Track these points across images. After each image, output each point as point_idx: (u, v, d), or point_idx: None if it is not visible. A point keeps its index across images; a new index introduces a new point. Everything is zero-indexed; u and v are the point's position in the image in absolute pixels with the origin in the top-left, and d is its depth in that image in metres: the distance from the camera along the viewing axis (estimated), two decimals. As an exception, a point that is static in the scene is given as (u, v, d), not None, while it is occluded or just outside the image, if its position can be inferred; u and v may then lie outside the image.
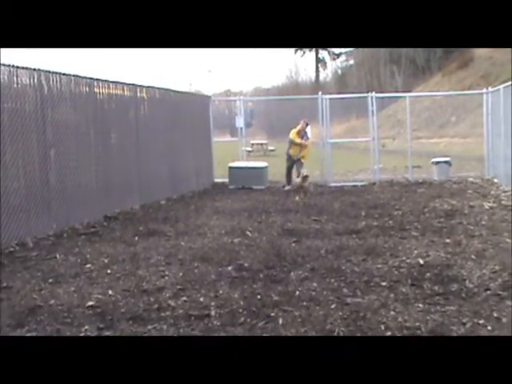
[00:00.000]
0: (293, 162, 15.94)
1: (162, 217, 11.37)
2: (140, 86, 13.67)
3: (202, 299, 5.91)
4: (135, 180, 12.85)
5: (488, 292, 5.88)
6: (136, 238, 9.27)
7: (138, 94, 13.69)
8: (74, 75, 10.96)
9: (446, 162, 17.65)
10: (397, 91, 38.40)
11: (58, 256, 8.09)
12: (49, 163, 10.06)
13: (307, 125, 16.00)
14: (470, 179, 16.74)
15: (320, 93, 18.25)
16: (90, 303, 5.85)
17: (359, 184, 16.93)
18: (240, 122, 18.92)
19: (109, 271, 7.18)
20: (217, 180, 17.71)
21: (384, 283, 6.30)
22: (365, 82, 55.45)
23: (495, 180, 16.04)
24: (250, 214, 11.54)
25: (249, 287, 6.27)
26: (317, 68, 70.53)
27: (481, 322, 5.03)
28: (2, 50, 6.62)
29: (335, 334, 4.82)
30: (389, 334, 4.79)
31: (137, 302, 5.85)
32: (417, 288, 6.09)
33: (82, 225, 10.31)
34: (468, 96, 23.33)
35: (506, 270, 6.60)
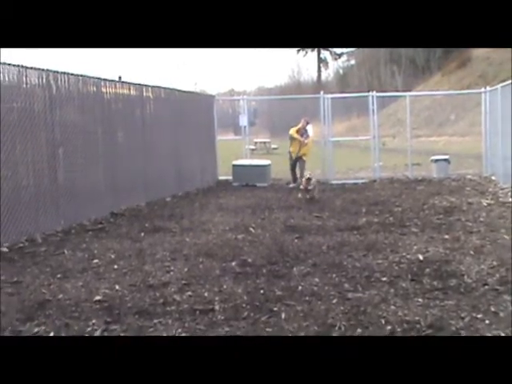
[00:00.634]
0: (295, 160, 15.94)
1: (167, 213, 11.38)
2: (146, 85, 13.68)
3: (206, 294, 5.91)
4: (141, 178, 12.85)
5: (486, 287, 5.88)
6: (142, 234, 9.28)
7: (144, 94, 13.70)
8: (81, 75, 10.98)
9: (445, 160, 17.65)
10: (397, 90, 38.37)
11: (66, 251, 8.11)
12: (57, 161, 10.07)
13: (308, 123, 15.98)
14: (469, 177, 16.77)
15: (322, 92, 18.25)
16: (98, 298, 5.86)
17: (360, 181, 16.94)
18: (243, 121, 18.87)
19: (115, 266, 7.19)
20: (221, 177, 17.71)
21: (384, 278, 6.30)
22: (366, 81, 55.41)
23: (493, 178, 16.04)
24: (253, 210, 11.54)
25: (252, 282, 6.28)
26: (319, 68, 70.55)
27: (479, 316, 5.03)
28: (10, 50, 6.57)
29: (336, 327, 4.82)
30: (389, 328, 4.78)
31: (143, 297, 5.86)
32: (416, 283, 6.08)
33: (90, 221, 10.33)
34: (467, 95, 23.29)
35: (503, 266, 6.60)
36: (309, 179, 13.17)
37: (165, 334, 4.81)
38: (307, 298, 5.67)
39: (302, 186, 13.42)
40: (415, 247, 7.76)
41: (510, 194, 12.80)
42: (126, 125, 12.71)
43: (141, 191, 12.72)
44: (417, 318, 4.99)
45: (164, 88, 14.87)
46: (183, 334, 4.81)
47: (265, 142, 30.91)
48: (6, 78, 9.00)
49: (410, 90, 31.86)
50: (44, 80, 9.82)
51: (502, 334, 4.40)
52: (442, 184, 15.57)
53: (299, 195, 13.79)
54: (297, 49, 69.49)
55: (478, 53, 44.75)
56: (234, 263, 7.11)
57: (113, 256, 7.76)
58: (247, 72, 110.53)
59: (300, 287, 6.06)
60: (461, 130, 27.66)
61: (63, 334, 4.86)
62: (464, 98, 23.75)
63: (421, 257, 7.19)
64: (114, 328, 4.99)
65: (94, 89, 11.51)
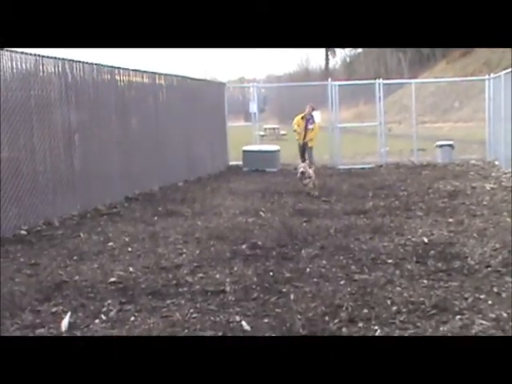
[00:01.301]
0: (303, 147, 15.88)
1: (179, 198, 11.40)
2: (158, 73, 13.65)
3: (217, 276, 5.93)
4: (154, 163, 12.86)
5: (489, 269, 5.87)
6: (155, 218, 9.30)
7: (157, 82, 13.68)
8: (96, 64, 10.96)
9: (449, 145, 17.65)
10: (403, 78, 37.97)
11: (82, 235, 8.14)
12: (73, 147, 10.10)
13: (313, 109, 15.86)
14: (472, 162, 16.73)
15: (329, 79, 18.26)
16: (113, 279, 5.89)
17: (367, 166, 16.92)
18: (253, 108, 18.89)
19: (130, 249, 7.22)
20: (231, 163, 17.71)
21: (390, 260, 6.29)
22: (372, 69, 55.04)
23: (496, 162, 16.03)
24: (263, 195, 11.54)
25: (262, 264, 6.29)
26: (326, 56, 70.03)
27: (482, 296, 5.03)
28: None
29: (344, 308, 4.82)
30: (394, 308, 4.79)
31: (156, 279, 5.88)
32: (421, 265, 6.07)
33: (105, 205, 10.36)
34: (471, 82, 23.15)
35: (505, 248, 6.59)
36: (302, 173, 11.70)
37: (177, 314, 4.82)
38: (315, 280, 5.68)
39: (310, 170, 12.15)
40: (420, 230, 7.74)
41: None
42: (140, 112, 12.70)
43: (154, 176, 12.73)
44: (421, 299, 4.99)
45: (176, 76, 14.84)
46: (194, 315, 4.83)
47: (274, 129, 30.77)
48: (24, 67, 9.02)
49: (415, 77, 31.57)
50: (60, 68, 9.83)
51: (501, 334, 4.21)
52: (446, 169, 15.54)
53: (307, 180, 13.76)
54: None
55: None
56: (244, 246, 7.12)
57: (127, 239, 7.79)
58: (257, 60, 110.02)
59: (308, 269, 6.06)
60: (465, 117, 27.48)
61: (80, 314, 4.90)
62: (468, 84, 23.59)
63: (425, 239, 7.17)
64: (128, 308, 5.02)
65: (108, 77, 11.51)
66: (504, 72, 15.18)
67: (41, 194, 8.97)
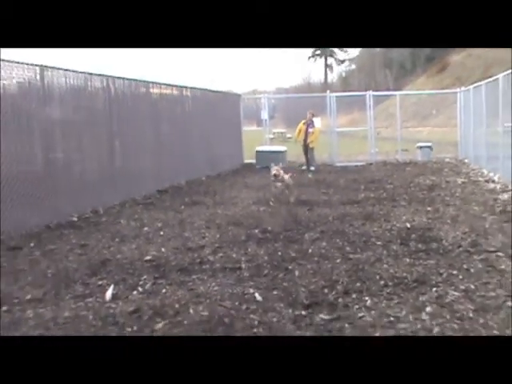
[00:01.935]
0: (305, 148, 15.87)
1: (202, 190, 11.40)
2: (185, 87, 13.66)
3: (234, 255, 5.93)
4: (181, 161, 12.87)
5: (460, 249, 5.86)
6: (182, 207, 9.32)
7: (184, 93, 13.69)
8: (133, 79, 11.00)
9: (428, 146, 17.68)
10: (389, 90, 37.72)
11: (122, 221, 8.18)
12: (114, 149, 10.15)
13: (313, 115, 15.88)
14: (447, 160, 16.79)
15: (328, 91, 18.26)
16: (148, 258, 5.90)
17: (359, 164, 16.88)
18: (264, 115, 18.93)
19: (161, 233, 7.23)
20: (246, 161, 17.66)
21: (379, 242, 6.27)
22: (364, 82, 54.68)
23: (466, 160, 16.12)
24: (271, 188, 11.52)
25: (271, 246, 6.28)
26: (325, 71, 70.31)
27: (454, 272, 5.03)
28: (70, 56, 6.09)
29: (340, 282, 4.81)
30: (382, 282, 4.77)
31: (183, 258, 5.89)
32: (404, 246, 6.06)
33: (140, 197, 10.37)
34: (445, 94, 23.04)
35: (474, 232, 6.58)
36: (275, 175, 9.72)
37: (201, 287, 4.82)
38: (316, 259, 5.67)
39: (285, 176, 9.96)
40: (404, 217, 7.71)
41: (479, 173, 12.85)
42: (169, 119, 12.73)
43: (181, 172, 12.73)
44: (404, 274, 4.98)
45: (200, 89, 14.84)
46: (215, 288, 4.82)
47: (281, 132, 30.57)
48: (76, 83, 9.12)
49: (399, 90, 31.51)
50: (105, 84, 9.88)
51: (497, 333, 3.64)
52: (425, 166, 15.49)
53: (309, 175, 13.76)
54: (308, 56, 69.27)
55: (455, 59, 44.71)
56: (256, 230, 7.11)
57: (159, 224, 7.80)
58: (268, 74, 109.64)
59: (310, 250, 6.05)
60: (441, 123, 27.37)
61: (121, 287, 4.92)
62: (443, 96, 23.46)
63: (408, 225, 7.14)
64: (161, 282, 5.03)
65: (144, 90, 11.54)
66: (472, 86, 15.56)
67: (88, 187, 9.03)
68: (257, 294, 4.59)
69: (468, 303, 4.24)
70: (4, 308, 4.44)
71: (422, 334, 3.71)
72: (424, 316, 4.01)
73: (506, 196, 9.29)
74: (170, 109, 12.77)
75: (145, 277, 5.21)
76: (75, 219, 8.21)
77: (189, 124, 13.54)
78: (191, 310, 4.24)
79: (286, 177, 9.86)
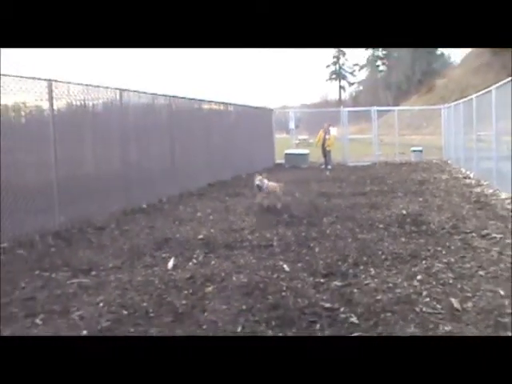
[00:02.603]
0: (324, 151, 15.83)
1: (243, 184, 11.43)
2: (229, 103, 13.73)
3: (268, 235, 5.95)
4: (227, 162, 12.94)
5: (443, 230, 5.82)
6: (227, 198, 9.39)
7: (228, 109, 13.76)
8: (189, 98, 11.13)
9: (419, 150, 17.92)
10: (389, 106, 37.34)
11: (180, 208, 8.30)
12: (175, 153, 10.29)
13: (329, 125, 15.98)
14: (434, 161, 16.89)
15: (341, 107, 18.41)
16: (200, 237, 5.97)
17: (366, 164, 16.79)
18: (291, 125, 19.16)
19: (211, 217, 7.32)
20: (277, 161, 17.63)
21: (381, 225, 6.22)
22: (369, 100, 54.68)
23: (449, 161, 16.34)
24: (297, 182, 11.48)
25: (297, 228, 6.29)
26: (339, 91, 70.74)
27: (439, 249, 5.00)
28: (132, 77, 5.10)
29: (350, 256, 4.80)
30: (383, 257, 4.76)
31: (228, 237, 5.94)
32: (401, 228, 6.01)
33: (194, 189, 10.46)
34: (433, 110, 22.95)
35: (455, 217, 6.55)
36: (258, 186, 7.58)
37: (242, 260, 4.84)
38: (332, 238, 5.67)
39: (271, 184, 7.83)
40: (401, 206, 7.64)
41: (458, 172, 12.87)
42: (217, 129, 12.80)
43: (227, 170, 12.80)
44: (401, 251, 4.96)
45: (241, 105, 14.89)
46: (253, 261, 4.85)
47: (305, 139, 30.39)
48: (144, 101, 9.31)
49: (397, 105, 31.40)
50: (168, 102, 10.04)
51: (495, 334, 3.04)
52: (417, 166, 15.48)
53: (327, 173, 13.69)
54: (326, 79, 69.51)
55: (440, 82, 47.12)
56: (285, 216, 7.13)
57: (209, 211, 7.88)
58: (294, 93, 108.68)
59: (328, 231, 6.05)
60: (429, 132, 27.11)
61: (179, 259, 4.98)
62: (431, 111, 23.31)
63: (404, 212, 7.06)
64: (210, 255, 5.09)
65: (197, 106, 11.66)
66: (453, 104, 16.10)
67: (155, 182, 9.18)
68: (285, 266, 4.61)
69: (449, 272, 4.23)
70: (93, 273, 4.62)
71: (413, 296, 3.69)
72: (415, 283, 4.00)
73: (478, 189, 9.29)
74: (217, 121, 12.86)
75: (198, 251, 5.27)
76: (145, 206, 8.34)
77: (232, 133, 13.62)
78: (234, 278, 4.30)
79: (273, 186, 7.72)
